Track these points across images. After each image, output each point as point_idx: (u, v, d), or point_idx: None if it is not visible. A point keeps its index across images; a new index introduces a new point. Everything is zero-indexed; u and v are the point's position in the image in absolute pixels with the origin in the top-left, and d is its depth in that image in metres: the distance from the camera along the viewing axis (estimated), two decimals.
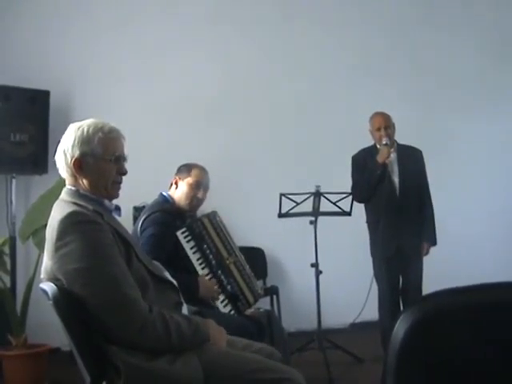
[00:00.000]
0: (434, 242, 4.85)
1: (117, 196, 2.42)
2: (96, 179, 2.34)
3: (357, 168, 4.88)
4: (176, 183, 3.82)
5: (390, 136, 4.77)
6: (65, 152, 2.33)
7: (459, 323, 1.19)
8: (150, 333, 2.13)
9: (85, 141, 2.32)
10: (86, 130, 2.33)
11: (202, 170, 3.87)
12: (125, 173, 2.42)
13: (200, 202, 3.86)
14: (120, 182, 2.42)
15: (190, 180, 3.80)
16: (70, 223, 2.16)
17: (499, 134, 6.76)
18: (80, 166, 2.31)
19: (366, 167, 4.80)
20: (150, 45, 6.08)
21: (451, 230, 5.88)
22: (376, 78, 6.48)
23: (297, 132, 6.32)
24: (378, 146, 4.79)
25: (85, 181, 2.33)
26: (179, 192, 3.80)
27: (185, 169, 3.86)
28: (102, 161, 2.34)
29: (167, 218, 3.64)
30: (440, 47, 6.74)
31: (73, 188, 2.33)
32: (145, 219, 3.62)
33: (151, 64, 6.07)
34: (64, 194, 2.34)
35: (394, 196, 4.75)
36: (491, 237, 6.51)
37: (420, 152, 4.95)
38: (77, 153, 2.31)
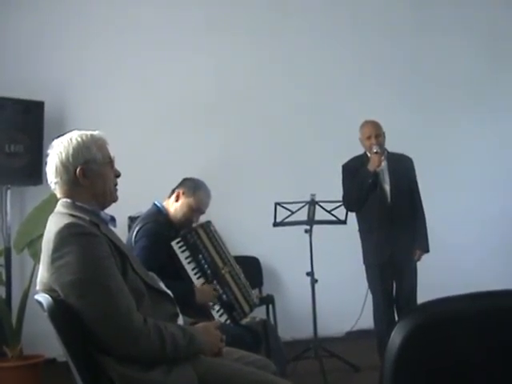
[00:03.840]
0: (426, 249, 4.84)
1: (117, 198, 2.45)
2: (102, 185, 2.37)
3: (348, 177, 4.88)
4: (178, 196, 3.78)
5: (381, 144, 4.78)
6: (64, 165, 2.31)
7: (455, 331, 1.20)
8: (144, 344, 2.12)
9: (84, 149, 2.33)
10: (79, 139, 2.35)
11: (207, 193, 3.83)
12: (120, 175, 2.46)
13: (192, 224, 3.84)
14: (116, 184, 2.46)
15: (191, 202, 3.76)
16: (67, 235, 2.16)
17: (495, 138, 6.77)
18: (84, 174, 2.32)
19: (357, 175, 4.80)
20: (144, 54, 6.10)
21: (444, 237, 5.88)
22: (373, 84, 6.50)
23: (292, 140, 6.33)
24: (369, 155, 4.80)
25: (89, 189, 2.34)
26: (177, 207, 3.76)
27: (191, 186, 3.80)
28: (103, 165, 2.37)
29: (161, 228, 3.63)
30: (437, 51, 6.75)
31: (68, 200, 2.33)
32: (138, 230, 3.61)
33: (146, 73, 6.08)
34: (60, 207, 2.34)
35: (385, 204, 4.75)
36: (485, 244, 6.51)
37: (410, 159, 4.96)
38: (80, 162, 2.31)
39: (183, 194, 3.77)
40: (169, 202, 3.81)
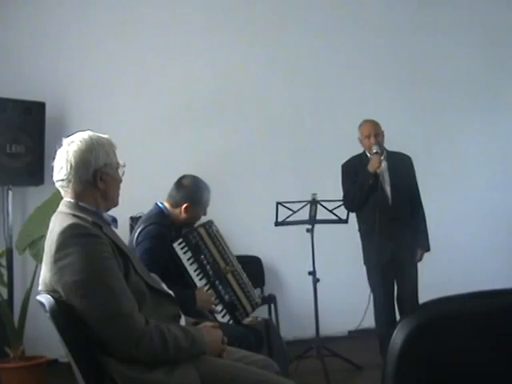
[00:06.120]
0: (427, 248, 4.84)
1: (118, 204, 2.48)
2: (113, 189, 2.40)
3: (347, 176, 4.86)
4: (186, 209, 3.71)
5: (380, 144, 4.76)
6: (85, 164, 2.29)
7: (457, 330, 1.20)
8: (146, 346, 2.12)
9: (104, 152, 2.34)
10: (100, 141, 2.35)
11: (208, 190, 3.81)
12: (121, 181, 2.48)
13: (196, 221, 3.85)
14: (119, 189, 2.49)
15: (202, 209, 3.78)
16: (70, 235, 2.16)
17: (494, 138, 6.76)
18: (101, 177, 2.33)
19: (356, 175, 4.78)
20: (144, 55, 6.10)
21: (445, 236, 5.87)
22: (373, 84, 6.49)
23: (293, 140, 6.33)
24: (368, 154, 4.79)
25: (102, 193, 2.35)
26: (185, 216, 3.72)
27: (195, 195, 3.74)
28: (116, 170, 2.41)
29: (163, 230, 3.60)
30: (437, 51, 6.74)
31: (72, 200, 2.32)
32: (141, 231, 3.59)
33: (146, 74, 6.08)
34: (63, 207, 2.33)
35: (386, 204, 4.73)
36: (487, 243, 6.50)
37: (409, 158, 4.94)
38: (100, 164, 2.32)
39: (192, 205, 3.72)
40: (175, 211, 3.75)
